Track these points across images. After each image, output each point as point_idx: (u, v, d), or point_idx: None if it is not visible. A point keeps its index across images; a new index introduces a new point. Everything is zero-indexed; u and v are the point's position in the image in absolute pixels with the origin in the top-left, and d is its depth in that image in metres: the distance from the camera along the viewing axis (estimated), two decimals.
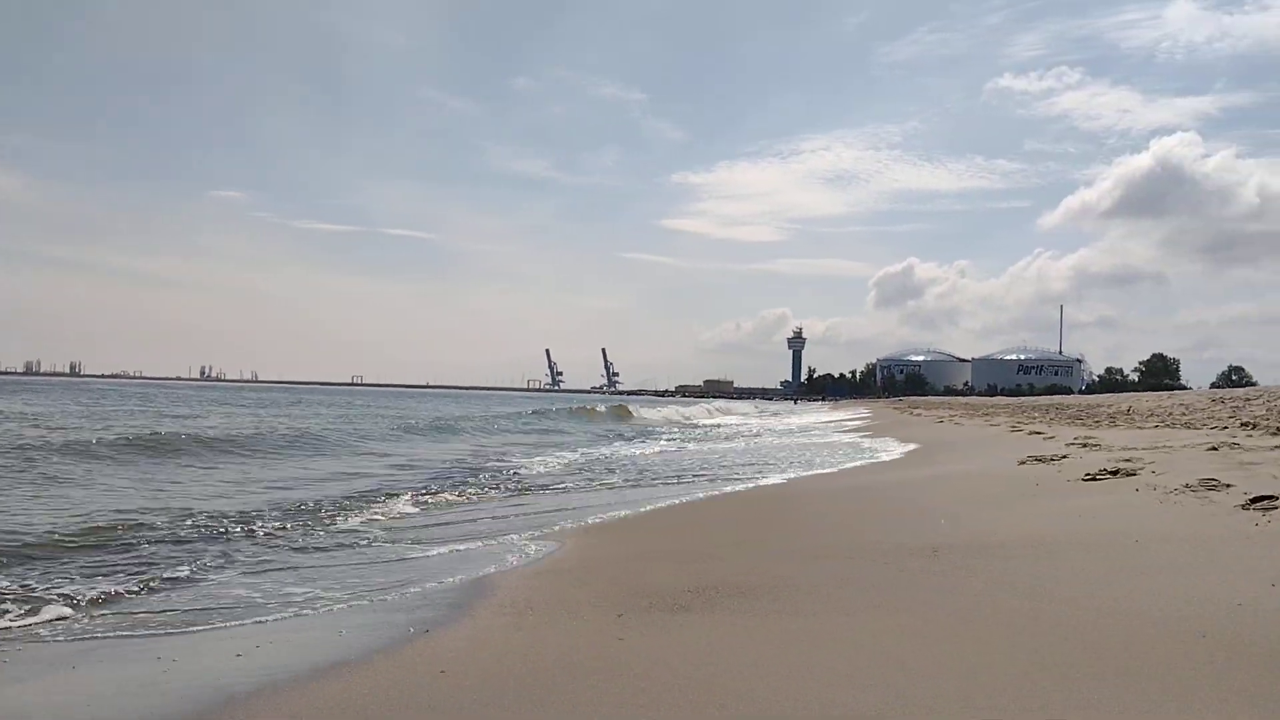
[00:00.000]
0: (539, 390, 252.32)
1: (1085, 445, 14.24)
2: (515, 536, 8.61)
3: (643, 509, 10.64)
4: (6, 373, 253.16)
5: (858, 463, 16.97)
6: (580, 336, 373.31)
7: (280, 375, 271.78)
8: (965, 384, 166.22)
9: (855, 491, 11.30)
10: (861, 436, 27.98)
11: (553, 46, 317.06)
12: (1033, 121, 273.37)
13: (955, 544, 6.55)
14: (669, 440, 29.06)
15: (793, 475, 14.72)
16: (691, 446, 24.79)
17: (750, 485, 13.16)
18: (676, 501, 11.23)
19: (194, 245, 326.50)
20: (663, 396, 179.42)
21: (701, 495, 11.93)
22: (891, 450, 19.89)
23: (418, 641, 4.92)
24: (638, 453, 21.94)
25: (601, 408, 52.66)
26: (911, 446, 20.55)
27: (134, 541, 8.27)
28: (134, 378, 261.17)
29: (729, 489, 12.65)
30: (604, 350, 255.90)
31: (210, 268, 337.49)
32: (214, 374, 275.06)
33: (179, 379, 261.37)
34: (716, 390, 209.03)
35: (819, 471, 15.33)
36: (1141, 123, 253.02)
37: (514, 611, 5.45)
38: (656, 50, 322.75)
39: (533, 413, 46.39)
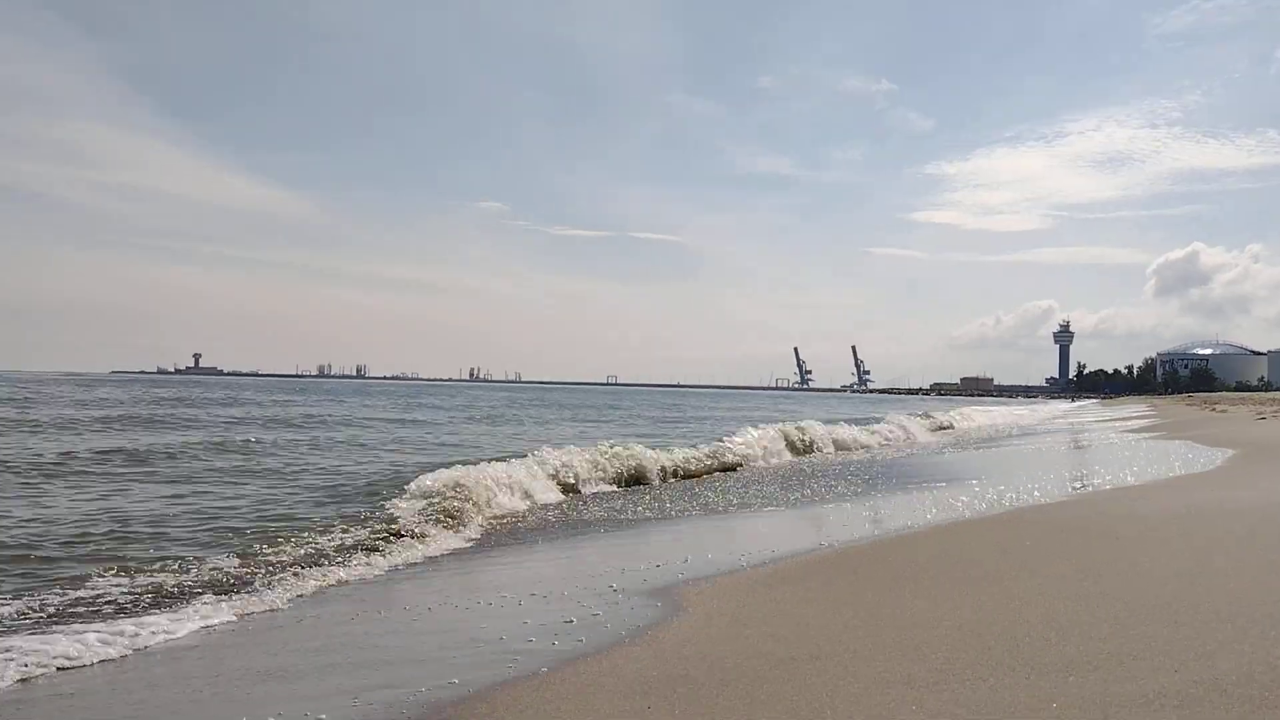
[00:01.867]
0: (788, 389, 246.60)
1: None
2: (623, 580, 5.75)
3: (868, 535, 7.52)
4: (302, 376, 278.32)
5: (1178, 471, 12.65)
6: (826, 334, 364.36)
7: (540, 375, 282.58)
8: (1260, 379, 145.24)
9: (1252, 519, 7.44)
10: (1157, 438, 22.79)
11: (795, 42, 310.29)
12: None
13: None
14: (941, 448, 25.24)
15: (1118, 485, 10.87)
16: (961, 452, 20.99)
17: (1043, 502, 9.53)
18: (911, 526, 8.03)
19: (463, 254, 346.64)
20: (916, 395, 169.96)
21: (946, 514, 8.58)
22: (1207, 455, 15.28)
23: None
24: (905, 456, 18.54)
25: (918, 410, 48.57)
26: (1230, 451, 15.81)
27: None
28: (411, 379, 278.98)
29: (998, 508, 9.15)
30: (854, 348, 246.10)
31: (477, 275, 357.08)
32: (481, 374, 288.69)
33: (450, 380, 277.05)
34: (975, 388, 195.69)
35: (1146, 480, 11.30)
36: None
37: None
38: (900, 36, 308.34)
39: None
